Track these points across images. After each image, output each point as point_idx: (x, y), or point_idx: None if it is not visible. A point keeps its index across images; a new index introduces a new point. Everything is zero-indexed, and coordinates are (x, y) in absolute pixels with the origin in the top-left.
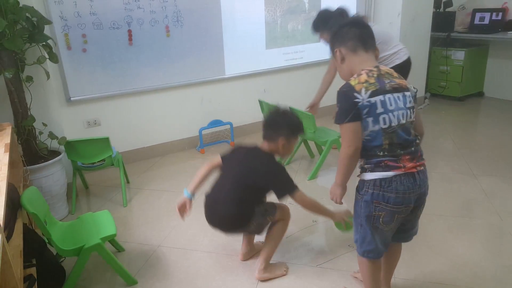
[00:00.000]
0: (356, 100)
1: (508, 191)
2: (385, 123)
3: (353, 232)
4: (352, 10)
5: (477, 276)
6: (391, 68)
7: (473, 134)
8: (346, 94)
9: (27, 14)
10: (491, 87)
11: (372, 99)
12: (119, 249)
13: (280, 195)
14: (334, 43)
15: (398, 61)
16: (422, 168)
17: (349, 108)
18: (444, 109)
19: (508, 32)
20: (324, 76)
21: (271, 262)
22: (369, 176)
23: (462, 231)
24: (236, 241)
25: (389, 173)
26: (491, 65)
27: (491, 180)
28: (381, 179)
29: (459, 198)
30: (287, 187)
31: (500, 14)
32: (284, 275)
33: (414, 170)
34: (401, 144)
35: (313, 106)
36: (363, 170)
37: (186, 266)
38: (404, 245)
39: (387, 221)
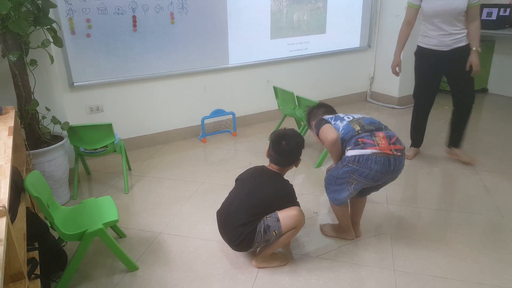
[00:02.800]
0: (325, 117)
1: (510, 187)
2: (348, 118)
3: (326, 183)
4: (360, 2)
5: (475, 270)
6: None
7: (476, 130)
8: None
9: None
10: (496, 83)
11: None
12: (120, 235)
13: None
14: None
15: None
16: (399, 154)
17: (321, 121)
18: (447, 105)
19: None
20: (403, 30)
21: None
22: (350, 153)
23: (462, 226)
24: None
25: (366, 151)
26: (496, 62)
27: (493, 176)
28: (360, 156)
29: (460, 193)
30: (293, 203)
31: (508, 10)
32: (283, 265)
33: (390, 152)
34: (370, 124)
35: (399, 65)
36: (347, 150)
37: (187, 253)
38: (404, 238)
39: (356, 188)
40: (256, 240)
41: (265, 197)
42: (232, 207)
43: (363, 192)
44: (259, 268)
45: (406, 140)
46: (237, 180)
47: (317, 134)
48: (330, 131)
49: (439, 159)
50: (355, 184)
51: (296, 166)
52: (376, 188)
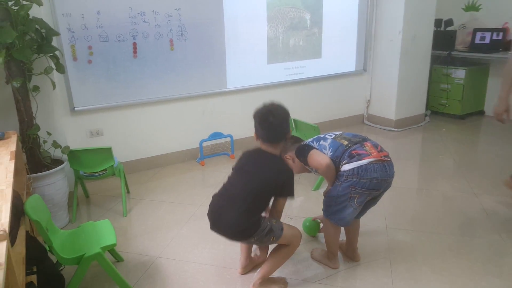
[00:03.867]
0: (306, 143)
1: (509, 210)
2: (330, 135)
3: (324, 206)
4: (354, 28)
5: None
6: None
7: (474, 152)
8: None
9: (36, 26)
10: (492, 105)
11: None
12: (118, 259)
13: (283, 195)
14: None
15: None
16: (389, 159)
17: (304, 148)
18: (444, 127)
19: (509, 52)
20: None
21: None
22: (347, 167)
23: (462, 250)
24: (235, 253)
25: (363, 161)
26: (492, 84)
27: (492, 198)
28: (358, 168)
29: (460, 217)
30: (291, 190)
31: (501, 34)
32: None
33: (383, 159)
34: (355, 137)
35: (508, 110)
36: (341, 166)
37: (184, 278)
38: (403, 263)
39: (360, 202)
40: (256, 235)
41: (266, 180)
42: (234, 190)
43: (362, 209)
44: None
45: (405, 162)
46: (234, 168)
47: (303, 162)
48: (321, 156)
49: (438, 182)
50: (358, 198)
51: (288, 138)
52: (374, 201)
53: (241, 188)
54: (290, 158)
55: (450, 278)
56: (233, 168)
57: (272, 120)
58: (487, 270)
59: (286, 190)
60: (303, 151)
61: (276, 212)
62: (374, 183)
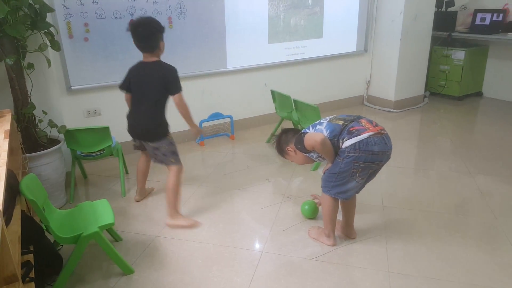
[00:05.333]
0: (302, 132)
1: (504, 190)
2: (325, 119)
3: (323, 182)
4: (356, 8)
5: (470, 272)
6: None
7: (471, 133)
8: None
9: (30, 1)
10: (490, 87)
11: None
12: (116, 238)
13: (173, 91)
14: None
15: None
16: (385, 132)
17: (300, 135)
18: (443, 108)
19: (508, 33)
20: None
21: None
22: (348, 142)
23: (457, 228)
24: (234, 232)
25: (363, 136)
26: (491, 66)
27: (487, 179)
28: (359, 142)
29: (455, 196)
30: (178, 84)
31: (501, 15)
32: (189, 227)
33: (380, 132)
34: (349, 116)
35: None
36: (342, 143)
37: (183, 256)
38: (399, 240)
39: (363, 175)
40: (164, 143)
41: (159, 81)
42: (141, 100)
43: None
44: (169, 226)
45: (403, 143)
46: (131, 84)
47: (302, 150)
48: (315, 134)
49: (435, 162)
50: (360, 172)
51: (161, 51)
52: (373, 174)
53: (146, 96)
54: (292, 150)
55: (444, 254)
56: (126, 86)
57: (141, 31)
58: (479, 247)
59: (173, 85)
60: (300, 140)
61: (178, 108)
62: (376, 156)
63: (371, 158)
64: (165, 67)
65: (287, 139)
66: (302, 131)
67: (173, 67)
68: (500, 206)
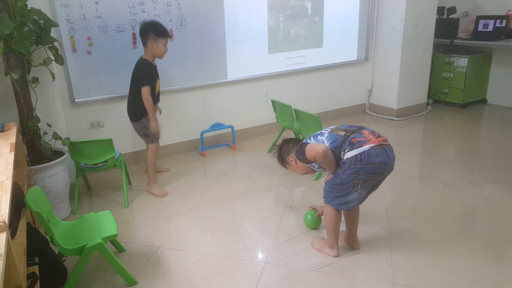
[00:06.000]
0: (303, 142)
1: (510, 198)
2: (326, 130)
3: (325, 192)
4: (356, 16)
5: (476, 283)
6: None
7: (476, 141)
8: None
9: (34, 17)
10: (494, 94)
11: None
12: (120, 249)
13: (139, 83)
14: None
15: None
16: (388, 143)
17: (302, 146)
18: (446, 116)
19: None
20: None
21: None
22: (350, 154)
23: (463, 238)
24: (236, 243)
25: (365, 147)
26: (495, 72)
27: (493, 187)
28: (360, 154)
29: (460, 205)
30: (142, 79)
31: (504, 21)
32: (161, 196)
33: (383, 143)
34: (351, 127)
35: None
36: (343, 154)
37: (186, 267)
38: (403, 250)
39: (365, 187)
40: (140, 124)
41: (133, 75)
42: (130, 87)
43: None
44: (149, 192)
45: (407, 152)
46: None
47: (303, 160)
48: (316, 145)
49: (439, 171)
50: (362, 184)
51: (157, 54)
52: (376, 185)
53: (130, 85)
54: (293, 160)
55: (450, 265)
56: None
57: (139, 29)
58: (486, 257)
59: (140, 78)
60: (301, 150)
61: (143, 99)
62: (378, 167)
63: (373, 170)
64: (137, 62)
65: (288, 149)
66: (303, 141)
67: (141, 64)
68: (507, 214)
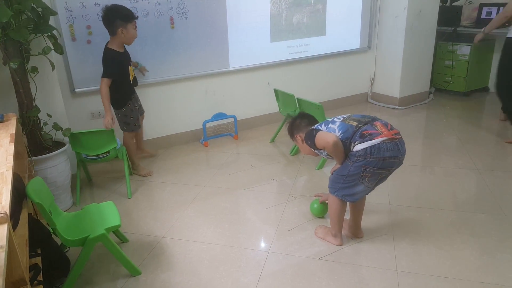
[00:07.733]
0: (314, 127)
1: None
2: (339, 118)
3: (331, 182)
4: (359, 4)
5: (479, 270)
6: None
7: (478, 129)
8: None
9: (32, 5)
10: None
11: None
12: (123, 240)
13: (103, 73)
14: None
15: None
16: (400, 137)
17: (312, 131)
18: (449, 104)
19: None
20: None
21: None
22: (360, 146)
23: (465, 226)
24: (239, 233)
25: (376, 141)
26: (497, 60)
27: (495, 175)
28: (370, 147)
29: (463, 193)
30: (104, 70)
31: None
32: (148, 175)
33: (394, 137)
34: (364, 117)
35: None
36: (353, 146)
37: (189, 257)
38: (406, 239)
39: (372, 180)
40: (121, 113)
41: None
42: None
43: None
44: (136, 174)
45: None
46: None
47: (311, 146)
48: (327, 135)
49: (441, 159)
50: (370, 177)
51: (126, 40)
52: (384, 178)
53: None
54: (300, 138)
55: (453, 253)
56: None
57: (102, 17)
58: (489, 245)
59: (104, 67)
60: (311, 136)
61: (100, 93)
62: (387, 162)
63: (382, 164)
64: (103, 52)
65: (300, 126)
66: (314, 126)
67: (105, 54)
68: (509, 202)
